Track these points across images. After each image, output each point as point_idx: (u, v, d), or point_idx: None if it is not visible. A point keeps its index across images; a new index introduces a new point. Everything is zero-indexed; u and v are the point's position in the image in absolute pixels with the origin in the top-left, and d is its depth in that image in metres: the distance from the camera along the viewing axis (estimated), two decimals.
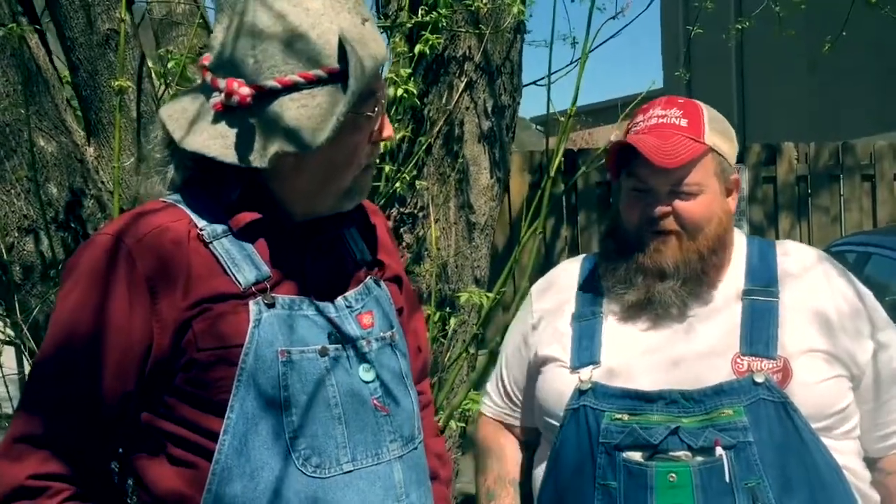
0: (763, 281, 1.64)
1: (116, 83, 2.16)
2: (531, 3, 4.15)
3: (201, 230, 1.30)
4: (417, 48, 2.52)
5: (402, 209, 2.74)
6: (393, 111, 2.68)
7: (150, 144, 1.40)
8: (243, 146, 1.29)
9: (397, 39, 2.71)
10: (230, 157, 1.29)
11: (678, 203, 1.60)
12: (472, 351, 2.65)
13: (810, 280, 1.64)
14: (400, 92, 2.52)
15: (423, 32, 2.55)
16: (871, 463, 1.65)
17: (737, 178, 1.66)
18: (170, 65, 2.55)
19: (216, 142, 1.30)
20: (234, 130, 1.29)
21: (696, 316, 1.61)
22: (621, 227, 1.67)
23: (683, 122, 1.61)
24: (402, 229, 2.74)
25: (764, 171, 6.45)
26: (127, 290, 1.24)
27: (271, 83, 1.26)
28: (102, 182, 2.35)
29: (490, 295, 2.48)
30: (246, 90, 1.26)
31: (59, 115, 2.30)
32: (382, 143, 2.53)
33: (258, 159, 1.27)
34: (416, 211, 2.72)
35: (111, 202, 2.24)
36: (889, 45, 9.04)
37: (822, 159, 6.61)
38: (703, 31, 4.57)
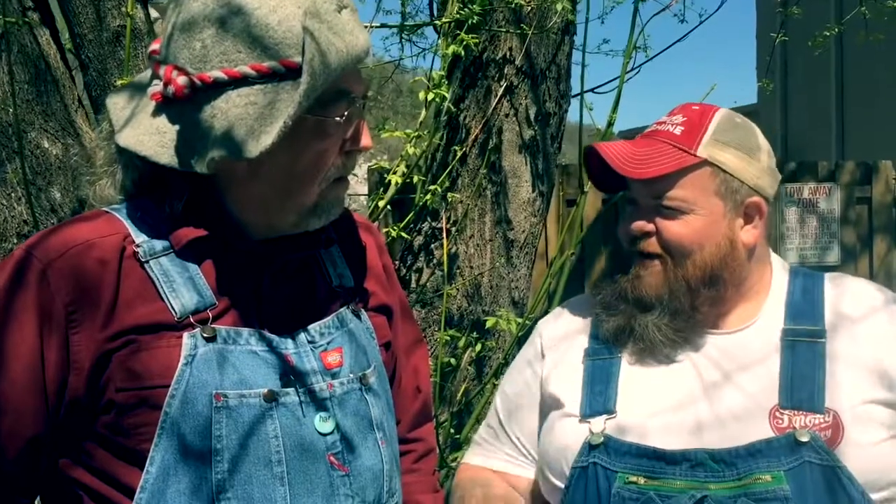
0: (807, 321, 1.37)
1: (121, 82, 2.03)
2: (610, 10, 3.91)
3: (137, 246, 1.10)
4: (451, 49, 2.32)
5: (433, 223, 2.53)
6: (425, 116, 2.49)
7: (97, 139, 1.21)
8: (181, 146, 1.09)
9: (440, 41, 2.52)
10: (165, 157, 1.09)
11: (660, 220, 1.37)
12: (498, 382, 2.41)
13: (870, 325, 1.36)
14: (431, 96, 2.32)
15: (459, 32, 2.35)
16: None
17: (758, 202, 1.38)
18: None
19: (151, 138, 1.10)
20: (175, 127, 1.10)
21: (729, 362, 1.36)
22: (618, 247, 1.46)
23: (678, 130, 1.37)
24: (432, 245, 2.53)
25: (858, 191, 5.98)
26: (37, 318, 1.06)
27: (217, 73, 1.06)
28: None
29: (519, 320, 2.25)
30: (183, 80, 1.06)
31: (68, 115, 2.20)
32: (410, 152, 2.37)
33: (197, 164, 1.07)
34: (448, 225, 2.51)
35: None
36: None
37: None
38: (788, 40, 4.25)
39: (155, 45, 1.15)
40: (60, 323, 1.06)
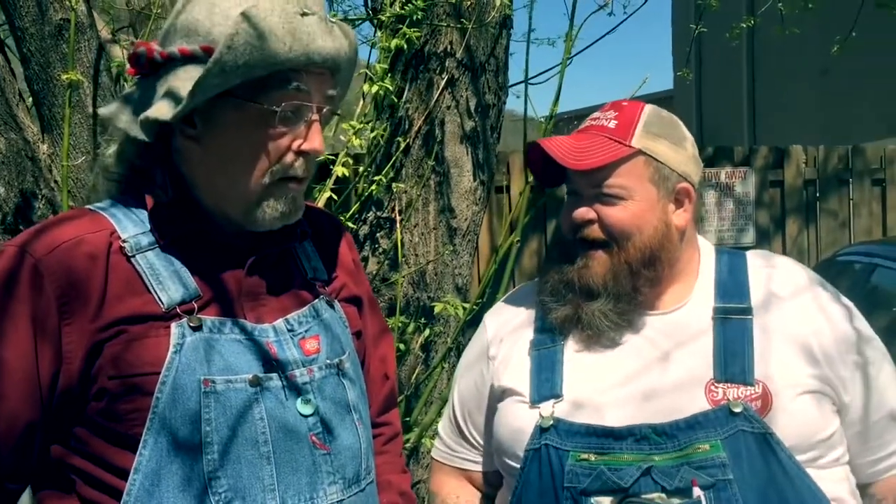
0: (735, 299, 1.48)
1: (66, 76, 2.03)
2: None
3: (124, 242, 1.16)
4: (393, 43, 2.38)
5: (378, 213, 2.59)
6: (370, 109, 2.54)
7: (101, 141, 1.30)
8: (137, 112, 1.18)
9: (379, 34, 2.57)
10: (123, 122, 1.19)
11: (600, 207, 1.46)
12: (446, 366, 2.50)
13: (797, 304, 1.48)
14: (375, 89, 2.38)
15: (401, 26, 2.41)
16: (861, 489, 1.49)
17: (687, 188, 1.50)
18: None
19: (122, 109, 1.20)
20: (136, 96, 1.20)
21: (666, 340, 1.46)
22: (559, 236, 1.54)
23: (612, 124, 1.48)
24: (378, 234, 2.59)
25: (771, 175, 6.26)
26: (30, 312, 1.10)
27: (172, 49, 1.16)
28: (56, 181, 2.21)
29: (466, 305, 2.33)
30: (142, 49, 1.18)
31: (10, 110, 2.17)
32: (355, 143, 2.42)
33: (138, 128, 1.17)
34: (393, 215, 2.57)
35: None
36: None
37: (832, 163, 6.42)
38: (706, 30, 4.42)
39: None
40: (53, 316, 1.10)
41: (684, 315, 1.48)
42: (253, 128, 1.16)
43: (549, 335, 1.51)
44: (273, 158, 1.18)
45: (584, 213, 1.46)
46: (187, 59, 1.15)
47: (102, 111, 1.22)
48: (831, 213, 6.43)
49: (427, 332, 2.46)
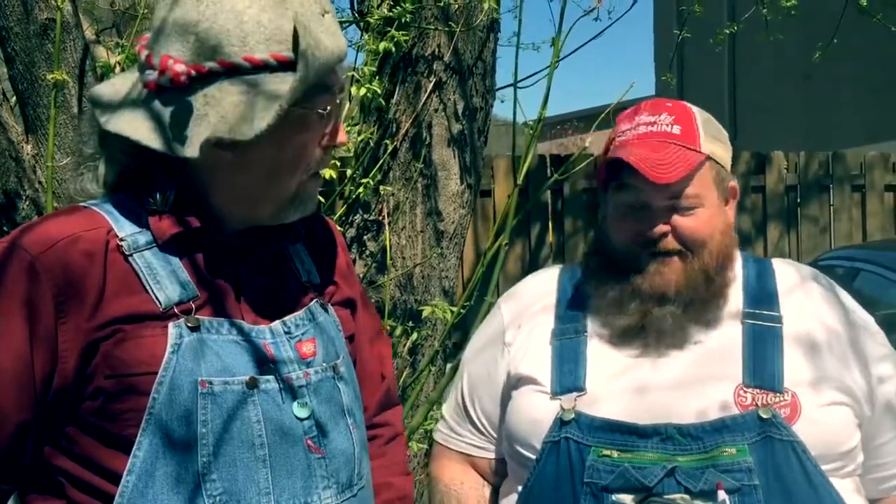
0: (764, 303, 1.47)
1: (52, 76, 2.01)
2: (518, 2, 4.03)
3: (121, 240, 1.15)
4: (382, 45, 2.37)
5: (365, 216, 2.58)
6: (356, 111, 2.54)
7: (82, 135, 1.26)
8: (173, 131, 1.13)
9: (366, 37, 2.57)
10: (156, 142, 1.14)
11: (677, 219, 1.43)
12: (433, 369, 2.49)
13: (808, 304, 1.48)
14: (363, 91, 2.37)
15: (389, 29, 2.41)
16: None
17: (734, 185, 1.50)
18: (119, 57, 2.40)
19: (143, 124, 1.14)
20: (167, 114, 1.14)
21: (694, 341, 1.44)
22: (609, 244, 1.49)
23: (676, 130, 1.44)
24: (365, 237, 2.59)
25: (753, 180, 6.30)
26: (26, 309, 1.09)
27: (211, 64, 1.11)
28: (40, 182, 2.19)
29: (454, 309, 2.33)
30: (181, 67, 1.11)
31: None
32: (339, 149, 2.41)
33: (189, 148, 1.11)
34: (380, 218, 2.56)
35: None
36: (881, 54, 8.94)
37: (812, 169, 6.48)
38: (690, 35, 4.45)
39: (143, 40, 1.20)
40: (49, 314, 1.09)
41: (715, 316, 1.46)
42: (298, 132, 1.16)
43: (571, 325, 1.48)
44: (311, 158, 1.19)
45: (661, 228, 1.43)
46: (230, 71, 1.11)
47: (115, 128, 1.15)
48: (812, 218, 6.48)
49: (414, 335, 2.46)
